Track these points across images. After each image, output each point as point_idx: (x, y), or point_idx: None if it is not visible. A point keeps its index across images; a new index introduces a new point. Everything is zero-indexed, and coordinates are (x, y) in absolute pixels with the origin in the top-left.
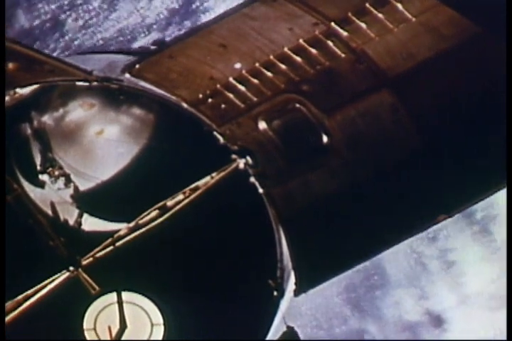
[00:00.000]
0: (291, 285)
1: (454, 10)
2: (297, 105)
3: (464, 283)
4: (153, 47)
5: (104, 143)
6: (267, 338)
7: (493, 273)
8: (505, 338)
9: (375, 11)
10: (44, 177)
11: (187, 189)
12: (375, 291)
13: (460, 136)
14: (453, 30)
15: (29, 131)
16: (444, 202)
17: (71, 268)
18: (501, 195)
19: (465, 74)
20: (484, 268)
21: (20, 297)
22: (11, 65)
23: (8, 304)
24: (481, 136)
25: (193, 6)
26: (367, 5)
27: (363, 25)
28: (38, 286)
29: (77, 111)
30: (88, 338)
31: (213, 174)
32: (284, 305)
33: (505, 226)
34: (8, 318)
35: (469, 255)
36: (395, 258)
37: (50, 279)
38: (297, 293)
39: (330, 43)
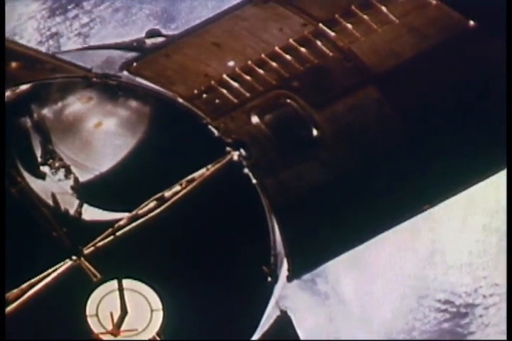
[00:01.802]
0: (284, 272)
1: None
2: (288, 100)
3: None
4: (147, 40)
5: (102, 135)
6: (262, 321)
7: (322, 318)
8: None
9: (360, 13)
10: (45, 169)
11: (184, 180)
12: None
13: (442, 129)
14: (433, 30)
15: (29, 124)
16: (427, 193)
17: (74, 258)
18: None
19: (446, 71)
20: (313, 314)
21: (24, 285)
22: (13, 64)
23: (14, 292)
24: (461, 129)
25: None
26: (353, 7)
27: (349, 26)
28: (42, 275)
29: (75, 105)
30: (91, 323)
31: (209, 166)
32: (277, 290)
33: (330, 278)
34: (13, 305)
35: (300, 302)
36: None
37: (54, 268)
38: (290, 278)
39: (318, 42)
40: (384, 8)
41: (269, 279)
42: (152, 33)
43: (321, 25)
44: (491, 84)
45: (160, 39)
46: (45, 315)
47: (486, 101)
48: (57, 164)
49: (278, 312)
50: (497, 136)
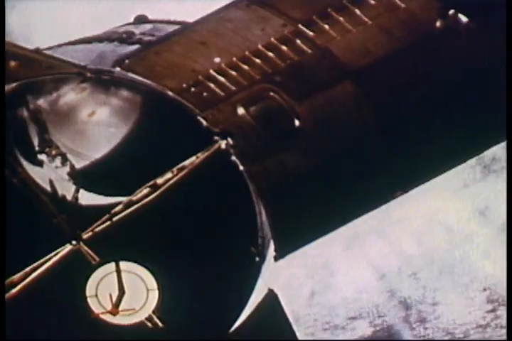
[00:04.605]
0: (271, 252)
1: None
2: (271, 93)
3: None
4: (136, 29)
5: (96, 124)
6: (251, 299)
7: None
8: None
9: (336, 15)
10: (42, 157)
11: (175, 168)
12: None
13: (412, 120)
14: (402, 32)
15: (26, 114)
16: (401, 180)
17: (73, 242)
18: None
19: (415, 69)
20: None
21: (28, 269)
22: (12, 63)
23: (18, 275)
24: (429, 121)
25: None
26: (329, 10)
27: (326, 26)
28: (44, 259)
29: (69, 95)
30: (91, 304)
31: (198, 154)
32: (265, 270)
33: None
34: (18, 287)
35: None
36: None
37: (55, 252)
38: (277, 258)
39: (298, 41)
40: (357, 11)
41: (257, 259)
42: (140, 20)
43: (300, 25)
44: (457, 84)
45: (148, 26)
46: (47, 296)
47: (451, 98)
48: (53, 152)
49: (266, 291)
50: (468, 129)
